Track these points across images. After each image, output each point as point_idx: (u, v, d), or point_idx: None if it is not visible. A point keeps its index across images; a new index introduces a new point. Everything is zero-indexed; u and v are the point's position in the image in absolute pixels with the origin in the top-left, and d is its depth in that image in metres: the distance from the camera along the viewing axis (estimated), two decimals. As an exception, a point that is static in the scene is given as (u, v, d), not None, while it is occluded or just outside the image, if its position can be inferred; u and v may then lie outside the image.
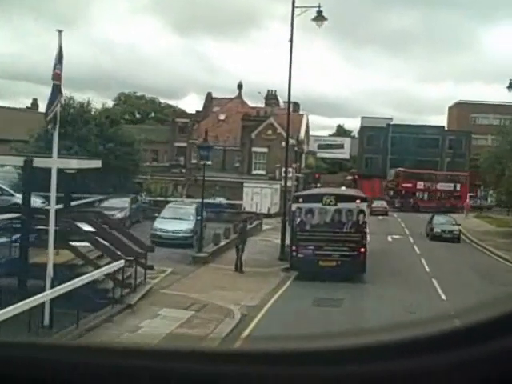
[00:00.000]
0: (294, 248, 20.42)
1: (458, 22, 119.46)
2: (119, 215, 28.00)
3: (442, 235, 34.25)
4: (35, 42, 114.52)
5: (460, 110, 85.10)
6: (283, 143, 53.61)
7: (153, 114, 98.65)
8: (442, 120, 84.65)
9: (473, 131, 77.97)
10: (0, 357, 1.11)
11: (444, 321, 1.04)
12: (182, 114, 78.56)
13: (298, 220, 20.66)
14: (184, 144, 62.34)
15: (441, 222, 36.83)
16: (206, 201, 40.29)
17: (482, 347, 0.94)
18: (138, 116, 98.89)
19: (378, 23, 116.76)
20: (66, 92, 23.81)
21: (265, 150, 50.13)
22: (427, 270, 23.00)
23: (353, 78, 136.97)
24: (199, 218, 26.10)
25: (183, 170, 55.91)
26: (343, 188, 28.84)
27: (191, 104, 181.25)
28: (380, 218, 49.88)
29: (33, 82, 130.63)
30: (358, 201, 20.95)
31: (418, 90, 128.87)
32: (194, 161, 56.75)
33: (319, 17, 25.23)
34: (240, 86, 63.81)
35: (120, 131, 34.12)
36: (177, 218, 25.64)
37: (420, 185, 64.77)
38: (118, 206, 28.88)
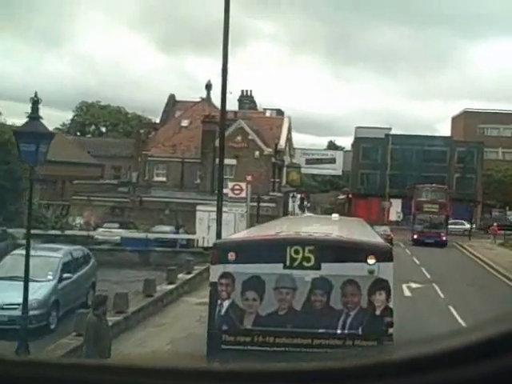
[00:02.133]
0: None
1: (445, 39, 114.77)
2: None
3: None
4: (19, 59, 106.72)
5: (467, 119, 74.28)
6: (257, 153, 42.58)
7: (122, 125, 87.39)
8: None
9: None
10: (4, 375, 1.08)
11: (457, 336, 1.02)
12: (149, 124, 67.15)
13: (226, 306, 8.98)
14: (153, 158, 50.38)
15: None
16: (129, 234, 28.94)
17: (488, 364, 0.93)
18: (102, 129, 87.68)
19: (366, 41, 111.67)
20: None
21: (233, 161, 38.48)
22: None
23: (342, 95, 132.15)
24: (74, 275, 14.44)
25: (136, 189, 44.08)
26: (334, 217, 16.21)
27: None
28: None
29: (13, 101, 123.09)
30: (371, 258, 8.87)
31: (409, 108, 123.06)
32: (154, 178, 45.34)
33: None
34: (208, 87, 52.40)
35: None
36: (14, 278, 13.30)
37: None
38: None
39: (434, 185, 48.28)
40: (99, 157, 67.39)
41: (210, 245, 30.82)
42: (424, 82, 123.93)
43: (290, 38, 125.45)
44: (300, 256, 8.85)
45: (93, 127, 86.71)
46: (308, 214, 14.93)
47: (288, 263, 8.84)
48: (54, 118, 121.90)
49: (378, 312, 8.84)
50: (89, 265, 16.22)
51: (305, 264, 8.84)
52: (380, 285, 8.85)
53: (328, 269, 8.82)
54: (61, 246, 16.43)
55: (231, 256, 8.89)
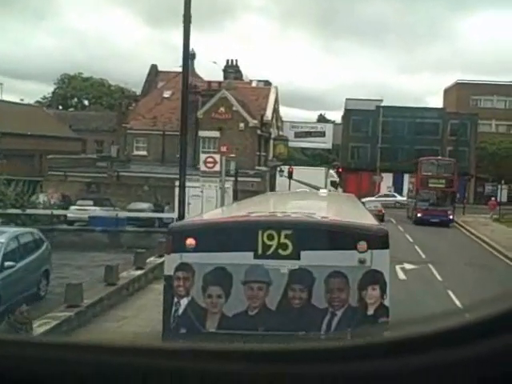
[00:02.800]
0: None
1: (434, 12, 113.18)
2: None
3: None
4: (5, 33, 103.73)
5: (459, 91, 72.17)
6: (241, 125, 40.39)
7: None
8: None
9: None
10: None
11: (451, 317, 1.02)
12: (131, 96, 64.67)
13: (184, 304, 7.28)
14: (133, 131, 48.01)
15: None
16: (97, 213, 26.49)
17: (484, 344, 0.93)
18: (85, 102, 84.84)
19: (355, 14, 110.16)
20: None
21: (216, 133, 36.36)
22: None
23: (331, 68, 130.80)
24: (20, 262, 12.52)
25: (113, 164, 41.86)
26: (322, 192, 14.28)
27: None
28: (374, 225, 36.66)
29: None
30: (362, 244, 7.13)
31: (398, 82, 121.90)
32: (134, 152, 43.18)
33: None
34: (192, 56, 49.96)
35: None
36: None
37: None
38: None
39: (440, 158, 44.82)
40: (81, 131, 65.03)
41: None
42: (413, 54, 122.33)
43: (279, 10, 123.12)
44: (275, 242, 7.21)
45: (75, 100, 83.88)
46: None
47: (260, 251, 7.21)
48: (37, 92, 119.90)
49: (370, 311, 7.22)
50: (40, 250, 14.19)
51: (281, 252, 7.22)
52: (373, 278, 7.21)
53: (309, 258, 7.19)
54: (6, 229, 14.49)
55: (190, 243, 7.21)
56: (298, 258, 7.19)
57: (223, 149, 14.01)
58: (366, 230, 7.57)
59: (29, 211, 22.38)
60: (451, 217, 38.15)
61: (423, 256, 24.81)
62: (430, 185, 39.05)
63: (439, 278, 20.10)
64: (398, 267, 21.62)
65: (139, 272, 15.85)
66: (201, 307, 7.25)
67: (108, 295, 13.46)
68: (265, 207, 10.15)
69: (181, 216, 11.21)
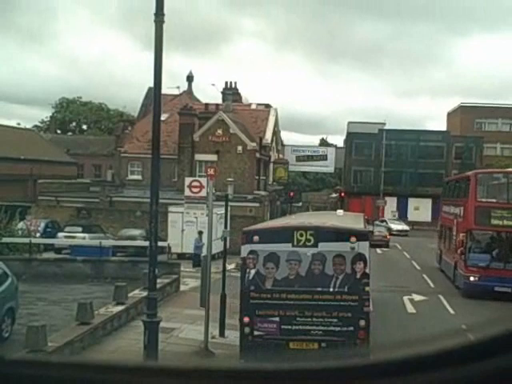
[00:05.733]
0: (246, 321, 11.94)
1: (430, 35, 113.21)
2: None
3: None
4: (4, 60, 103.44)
5: (463, 114, 71.27)
6: (239, 148, 38.95)
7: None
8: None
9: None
10: (3, 374, 1.10)
11: (452, 338, 1.05)
12: (128, 120, 63.50)
13: (252, 273, 12.05)
14: (127, 155, 46.60)
15: None
16: (79, 242, 24.96)
17: (486, 364, 0.96)
18: (84, 127, 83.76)
19: (351, 38, 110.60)
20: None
21: (213, 157, 34.91)
22: None
23: (330, 93, 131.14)
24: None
25: (105, 188, 40.34)
26: (339, 213, 17.46)
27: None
28: (379, 251, 35.24)
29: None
30: (352, 238, 11.95)
31: (397, 106, 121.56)
32: (128, 176, 41.75)
33: None
34: (190, 78, 48.89)
35: None
36: None
37: None
38: None
39: (509, 169, 25.70)
40: (79, 155, 64.07)
41: (186, 251, 27.48)
42: (412, 79, 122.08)
43: (276, 36, 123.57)
44: (304, 238, 11.99)
45: (74, 124, 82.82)
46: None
47: (295, 243, 11.97)
48: (38, 116, 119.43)
49: (358, 276, 11.89)
50: (3, 286, 12.51)
51: (307, 243, 11.99)
52: (359, 257, 11.90)
53: (323, 246, 11.98)
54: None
55: (256, 239, 11.99)
56: (317, 247, 11.90)
57: (210, 171, 12.60)
58: (355, 231, 12.54)
59: (5, 239, 20.93)
60: None
61: (432, 285, 23.04)
62: (494, 221, 20.98)
63: (451, 310, 18.34)
64: (405, 298, 19.97)
65: (119, 308, 14.22)
66: (262, 274, 11.90)
67: (79, 336, 11.82)
68: (298, 219, 15.54)
69: (153, 249, 10.03)
